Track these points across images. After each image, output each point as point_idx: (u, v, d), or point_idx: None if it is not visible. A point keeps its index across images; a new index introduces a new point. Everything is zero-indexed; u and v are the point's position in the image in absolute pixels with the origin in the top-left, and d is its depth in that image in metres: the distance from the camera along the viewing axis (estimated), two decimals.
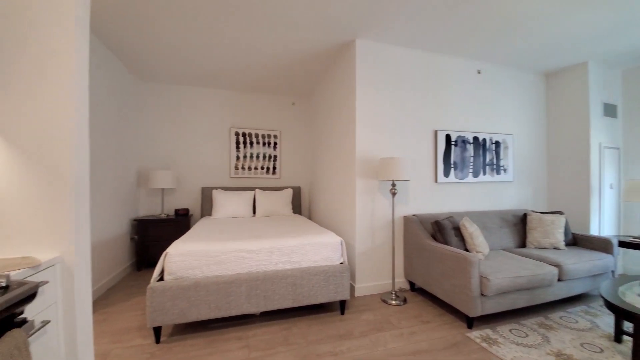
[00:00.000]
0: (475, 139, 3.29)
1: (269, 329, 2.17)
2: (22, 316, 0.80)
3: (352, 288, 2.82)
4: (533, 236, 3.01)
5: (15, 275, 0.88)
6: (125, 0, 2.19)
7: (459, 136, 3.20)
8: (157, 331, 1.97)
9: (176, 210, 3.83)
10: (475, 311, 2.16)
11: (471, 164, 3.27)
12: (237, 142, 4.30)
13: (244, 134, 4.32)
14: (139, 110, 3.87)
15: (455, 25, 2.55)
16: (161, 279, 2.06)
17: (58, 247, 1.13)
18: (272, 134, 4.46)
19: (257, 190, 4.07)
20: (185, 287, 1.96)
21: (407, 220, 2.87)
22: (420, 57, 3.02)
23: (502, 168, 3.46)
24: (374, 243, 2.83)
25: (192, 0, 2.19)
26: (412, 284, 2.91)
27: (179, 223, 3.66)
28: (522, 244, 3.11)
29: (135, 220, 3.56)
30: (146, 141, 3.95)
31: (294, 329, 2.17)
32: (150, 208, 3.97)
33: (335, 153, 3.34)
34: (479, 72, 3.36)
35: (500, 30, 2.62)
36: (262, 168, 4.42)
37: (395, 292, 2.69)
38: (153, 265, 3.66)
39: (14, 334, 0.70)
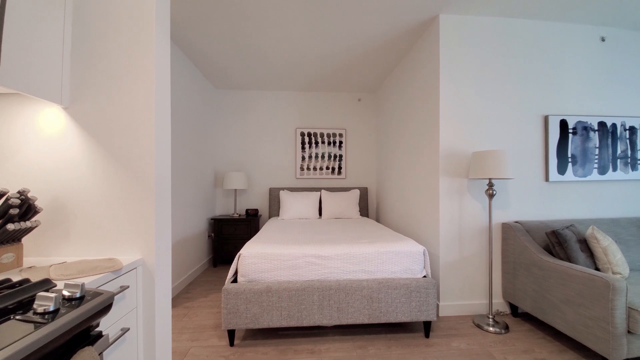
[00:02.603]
0: (602, 124, 2.53)
1: (343, 345, 1.95)
2: (97, 329, 0.74)
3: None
4: None
5: (96, 280, 0.84)
6: (202, 9, 2.25)
7: (579, 122, 2.50)
8: (231, 334, 1.93)
9: (247, 210, 3.94)
10: (618, 353, 1.59)
11: (596, 157, 2.52)
12: (302, 143, 4.24)
13: (309, 134, 4.25)
14: (214, 116, 4.12)
15: None
16: (235, 280, 2.03)
17: (140, 249, 1.10)
18: (337, 132, 4.28)
19: (322, 191, 3.93)
20: (258, 291, 1.88)
21: (508, 228, 2.34)
22: (521, 27, 2.44)
23: (639, 162, 2.60)
24: (462, 254, 2.38)
25: (260, 7, 2.14)
26: (513, 307, 2.36)
27: (249, 223, 3.75)
28: None
29: (212, 219, 3.77)
30: (221, 145, 4.18)
31: (370, 349, 1.91)
32: (225, 208, 4.19)
33: (411, 149, 2.97)
34: (603, 40, 2.58)
35: None
36: (327, 168, 4.27)
37: (493, 316, 2.20)
38: (228, 261, 3.84)
39: (84, 354, 0.62)
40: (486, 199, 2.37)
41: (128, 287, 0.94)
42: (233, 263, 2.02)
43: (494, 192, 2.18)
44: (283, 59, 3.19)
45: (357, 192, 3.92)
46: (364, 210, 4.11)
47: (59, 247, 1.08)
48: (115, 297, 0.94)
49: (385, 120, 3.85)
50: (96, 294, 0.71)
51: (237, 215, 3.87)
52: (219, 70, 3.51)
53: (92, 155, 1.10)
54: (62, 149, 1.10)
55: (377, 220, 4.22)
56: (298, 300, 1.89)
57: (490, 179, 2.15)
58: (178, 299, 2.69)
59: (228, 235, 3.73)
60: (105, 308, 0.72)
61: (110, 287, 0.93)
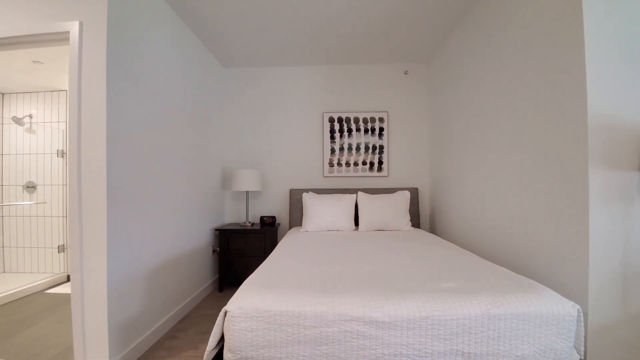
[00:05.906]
0: None
1: None
2: None
3: None
4: None
5: None
6: None
7: None
8: None
9: (262, 217, 3.10)
10: None
11: None
12: (332, 131, 3.31)
13: (339, 120, 3.31)
14: (222, 101, 3.33)
15: None
16: (220, 354, 1.15)
17: None
18: (377, 116, 3.29)
19: (359, 193, 2.97)
20: None
21: None
22: None
23: None
24: (627, 308, 1.31)
25: None
26: None
27: (264, 235, 2.90)
28: None
29: (216, 229, 2.96)
30: (230, 136, 3.38)
31: None
32: (235, 214, 3.38)
33: (505, 125, 1.92)
34: None
35: None
36: (364, 163, 3.30)
37: None
38: (236, 284, 3.00)
39: None
40: None
41: None
42: (216, 325, 1.14)
43: None
44: (299, 22, 2.28)
45: (407, 194, 2.90)
46: (415, 219, 3.08)
47: None
48: None
49: (446, 96, 2.80)
50: None
51: (250, 224, 3.03)
52: (225, 38, 2.69)
53: None
54: None
55: (433, 232, 3.17)
56: None
57: None
58: (156, 351, 1.87)
59: (237, 251, 2.90)
60: None
61: None
